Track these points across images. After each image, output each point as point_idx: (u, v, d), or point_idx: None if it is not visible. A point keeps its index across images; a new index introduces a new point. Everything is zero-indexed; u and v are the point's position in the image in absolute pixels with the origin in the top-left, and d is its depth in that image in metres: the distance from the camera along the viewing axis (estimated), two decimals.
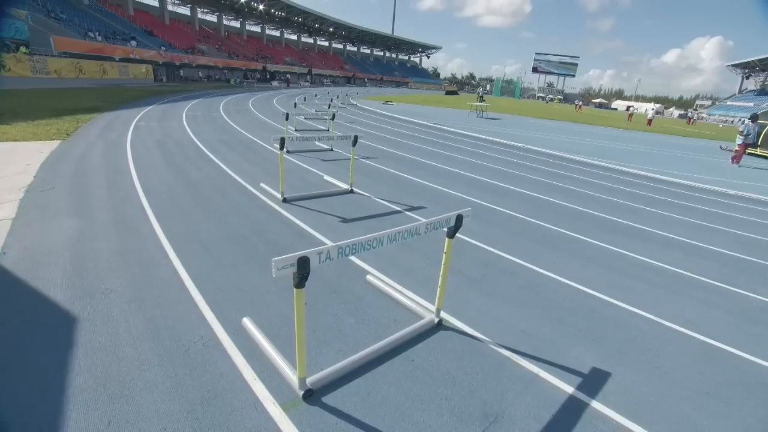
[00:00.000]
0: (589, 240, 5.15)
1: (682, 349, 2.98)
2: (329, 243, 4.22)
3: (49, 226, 4.12)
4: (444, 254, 2.83)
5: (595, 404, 2.34)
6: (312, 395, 2.23)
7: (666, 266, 4.53)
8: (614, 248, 4.94)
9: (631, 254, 4.78)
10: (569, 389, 2.44)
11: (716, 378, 2.68)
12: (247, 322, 2.78)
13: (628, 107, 72.02)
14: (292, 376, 2.28)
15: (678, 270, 4.46)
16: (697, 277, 4.33)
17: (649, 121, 33.54)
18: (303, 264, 1.89)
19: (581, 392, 2.42)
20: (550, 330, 3.07)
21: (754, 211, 7.64)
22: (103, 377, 2.23)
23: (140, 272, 3.38)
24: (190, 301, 3.03)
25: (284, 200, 5.60)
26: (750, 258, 5.09)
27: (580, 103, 55.60)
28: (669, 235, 5.71)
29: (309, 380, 2.26)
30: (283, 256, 1.82)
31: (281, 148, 5.44)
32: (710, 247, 5.39)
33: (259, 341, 2.60)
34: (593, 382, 2.53)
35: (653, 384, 2.56)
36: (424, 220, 2.56)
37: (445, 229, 2.75)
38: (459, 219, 2.73)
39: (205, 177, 6.47)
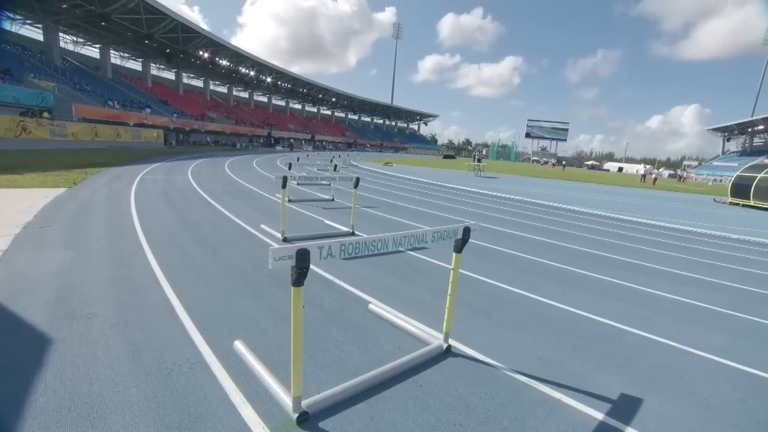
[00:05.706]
0: (595, 275, 4.97)
1: (718, 376, 2.70)
2: (328, 276, 4.10)
3: (40, 257, 3.98)
4: (451, 271, 2.69)
5: (630, 431, 2.04)
6: (308, 419, 1.95)
7: (680, 298, 4.31)
8: (623, 282, 4.74)
9: (642, 288, 4.58)
10: (599, 415, 2.15)
11: (764, 406, 2.38)
12: (239, 344, 2.55)
13: (620, 168, 75.18)
14: (285, 398, 2.02)
15: (693, 301, 4.24)
16: (715, 308, 4.10)
17: (654, 180, 34.55)
18: (302, 257, 1.77)
19: (612, 418, 2.13)
20: (568, 357, 2.81)
21: (757, 252, 7.51)
22: (69, 399, 1.97)
23: (129, 298, 3.19)
24: (179, 326, 2.81)
25: (284, 240, 5.51)
26: (764, 291, 4.88)
27: (564, 163, 67.32)
28: (676, 271, 5.53)
29: (305, 402, 2.00)
30: (281, 246, 1.71)
31: (283, 186, 5.50)
32: (721, 281, 5.19)
33: (250, 364, 2.36)
34: (624, 408, 2.24)
35: (693, 411, 2.27)
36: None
37: (452, 244, 2.65)
38: (466, 231, 2.65)
39: (205, 219, 6.44)
